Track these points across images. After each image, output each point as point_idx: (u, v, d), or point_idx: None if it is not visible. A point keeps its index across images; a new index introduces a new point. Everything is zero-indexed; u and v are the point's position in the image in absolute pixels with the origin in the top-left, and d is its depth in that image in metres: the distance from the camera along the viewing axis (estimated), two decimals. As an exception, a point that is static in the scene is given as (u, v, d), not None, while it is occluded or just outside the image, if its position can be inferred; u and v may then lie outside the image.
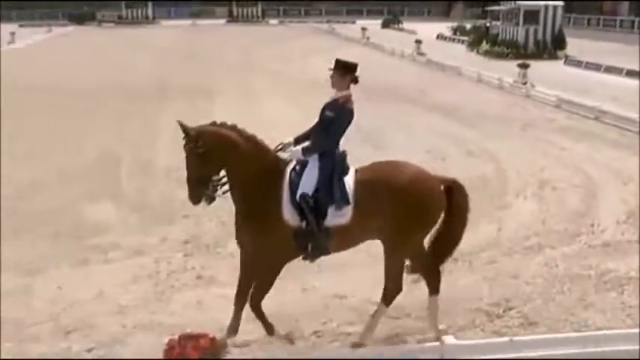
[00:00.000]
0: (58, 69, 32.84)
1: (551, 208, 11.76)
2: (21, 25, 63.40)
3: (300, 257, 6.89)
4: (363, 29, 49.29)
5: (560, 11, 38.35)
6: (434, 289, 7.13)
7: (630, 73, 28.55)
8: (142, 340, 7.36)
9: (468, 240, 10.04)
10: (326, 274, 9.01)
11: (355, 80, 6.89)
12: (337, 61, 6.91)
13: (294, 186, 6.54)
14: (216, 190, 6.59)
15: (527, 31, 37.76)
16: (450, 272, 9.05)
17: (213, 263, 9.46)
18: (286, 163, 6.72)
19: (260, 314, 7.02)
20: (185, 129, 6.37)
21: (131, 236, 10.54)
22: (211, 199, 6.61)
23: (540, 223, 11.04)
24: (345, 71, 6.83)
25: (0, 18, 66.18)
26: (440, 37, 49.97)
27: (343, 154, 6.76)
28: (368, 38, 46.99)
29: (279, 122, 18.98)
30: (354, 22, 66.18)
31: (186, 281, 8.88)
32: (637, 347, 6.95)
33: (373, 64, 34.39)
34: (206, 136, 6.39)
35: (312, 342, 7.38)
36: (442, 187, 6.86)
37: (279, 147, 6.84)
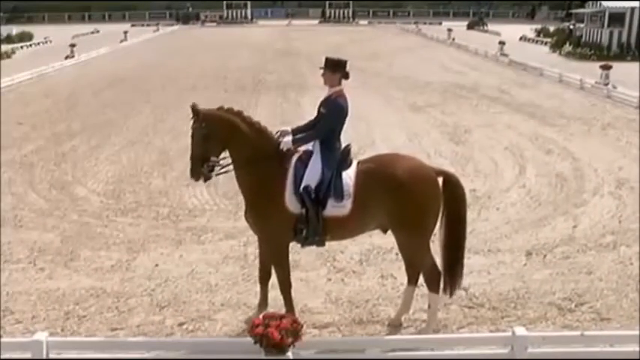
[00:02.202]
0: (162, 63, 33.73)
1: (628, 207, 11.31)
2: (133, 25, 65.46)
3: (296, 241, 6.92)
4: (449, 30, 48.53)
5: (646, 14, 36.83)
6: (414, 281, 7.17)
7: None
8: (228, 318, 7.50)
9: (544, 235, 9.90)
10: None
11: (346, 76, 6.94)
12: (327, 59, 6.98)
13: (298, 175, 6.61)
14: (213, 169, 6.73)
15: (611, 33, 36.44)
16: (524, 266, 8.90)
17: (297, 248, 9.42)
18: (292, 151, 6.76)
19: (287, 299, 7.06)
20: (194, 110, 6.61)
21: (223, 221, 10.72)
22: (207, 178, 6.75)
23: (616, 221, 10.63)
24: (335, 69, 6.89)
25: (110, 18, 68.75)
26: (523, 38, 48.72)
27: (347, 148, 6.83)
28: (453, 39, 46.24)
29: (367, 114, 19.02)
30: (440, 24, 65.27)
31: (272, 264, 8.95)
32: None
33: (457, 63, 33.94)
34: (210, 118, 6.59)
35: (386, 327, 7.32)
36: (440, 179, 6.79)
37: (278, 134, 6.90)
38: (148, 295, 8.06)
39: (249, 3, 73.55)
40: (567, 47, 38.89)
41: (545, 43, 43.86)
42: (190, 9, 76.11)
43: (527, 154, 14.80)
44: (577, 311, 7.70)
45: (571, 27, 43.52)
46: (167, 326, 7.34)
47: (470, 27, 62.30)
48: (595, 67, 26.28)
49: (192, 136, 6.67)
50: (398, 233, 6.81)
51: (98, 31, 58.32)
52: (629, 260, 9.03)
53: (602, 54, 34.68)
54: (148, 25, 66.36)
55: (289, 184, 6.62)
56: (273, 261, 7.05)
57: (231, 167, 6.82)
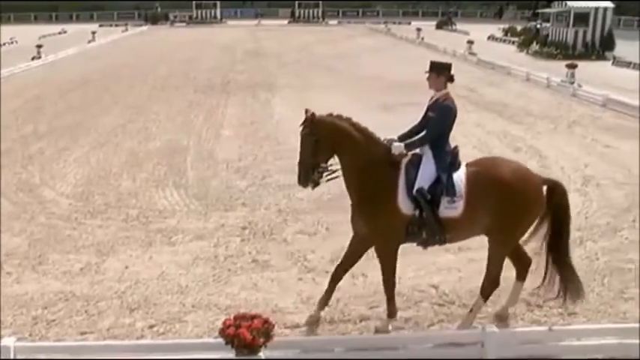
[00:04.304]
0: (131, 64, 33.43)
1: (594, 203, 11.46)
2: (101, 25, 64.71)
3: (416, 244, 7.01)
4: (418, 30, 48.70)
5: (610, 13, 37.28)
6: (486, 295, 7.20)
7: (678, 74, 27.62)
8: (199, 320, 7.46)
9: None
10: (375, 262, 8.96)
11: (451, 79, 6.92)
12: (432, 63, 6.97)
13: (409, 177, 6.65)
14: (321, 176, 6.76)
15: (576, 33, 36.86)
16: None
17: (269, 249, 9.50)
18: (402, 155, 6.78)
19: (390, 296, 7.15)
20: (306, 116, 6.57)
21: (193, 222, 10.66)
22: (316, 184, 6.78)
23: (583, 217, 10.76)
24: (440, 72, 6.86)
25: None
26: (491, 38, 49.07)
27: (455, 150, 6.85)
28: (422, 38, 46.42)
29: (335, 112, 19.02)
30: (409, 23, 65.44)
31: (243, 265, 8.94)
32: None
33: (426, 62, 34.07)
34: (321, 125, 6.56)
35: (358, 326, 7.33)
36: (545, 187, 6.90)
37: (385, 140, 6.92)
38: (118, 297, 7.98)
39: (218, 3, 73.12)
40: (534, 46, 39.28)
41: (513, 43, 44.23)
42: (159, 9, 75.45)
43: (496, 151, 14.91)
44: (545, 307, 7.77)
45: (538, 26, 43.92)
46: (137, 329, 7.28)
47: (439, 26, 62.58)
48: (561, 65, 26.60)
49: (302, 142, 6.65)
50: (495, 234, 6.88)
51: (65, 32, 57.54)
52: (594, 255, 9.15)
53: (568, 53, 35.08)
54: (116, 26, 65.61)
55: (401, 186, 6.67)
56: (382, 262, 7.06)
57: (339, 173, 6.83)
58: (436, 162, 6.68)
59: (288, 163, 14.09)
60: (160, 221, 10.66)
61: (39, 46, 35.63)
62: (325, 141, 6.58)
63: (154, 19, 73.35)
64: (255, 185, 12.56)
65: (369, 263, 8.89)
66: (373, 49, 41.39)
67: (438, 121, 6.78)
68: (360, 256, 7.28)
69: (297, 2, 73.57)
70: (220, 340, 5.77)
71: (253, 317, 5.88)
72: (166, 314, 7.57)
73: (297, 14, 73.69)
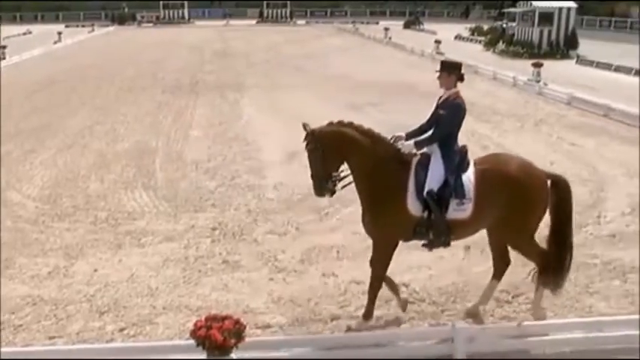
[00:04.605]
0: (98, 65, 33.07)
1: (560, 200, 11.59)
2: (67, 26, 63.84)
3: (421, 244, 7.07)
4: (386, 29, 48.89)
5: (573, 13, 37.81)
6: (498, 276, 7.40)
7: (639, 72, 28.06)
8: (170, 321, 7.41)
9: (482, 230, 10.05)
10: (345, 262, 9.02)
11: (461, 78, 6.98)
12: (443, 62, 7.04)
13: (419, 178, 6.68)
14: (336, 184, 6.79)
15: (541, 32, 37.30)
16: (463, 260, 9.05)
17: (239, 249, 9.48)
18: (412, 155, 6.83)
19: (372, 297, 7.14)
20: (306, 130, 6.57)
21: (163, 223, 10.59)
22: (332, 193, 6.81)
23: (548, 214, 10.87)
24: (450, 71, 6.91)
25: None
26: (458, 37, 49.44)
27: (464, 149, 6.89)
28: (390, 38, 46.65)
29: (306, 113, 19.04)
30: (377, 23, 65.60)
31: (213, 266, 8.90)
32: (637, 332, 6.84)
33: (394, 61, 34.28)
34: (324, 137, 6.57)
35: (329, 325, 7.35)
36: (548, 181, 6.98)
37: (392, 139, 6.95)
38: (87, 301, 7.90)
39: (186, 3, 72.68)
40: (500, 45, 39.65)
41: (479, 42, 44.59)
42: (126, 9, 74.75)
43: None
44: (514, 302, 7.87)
45: (504, 26, 44.35)
46: (107, 332, 7.21)
47: (406, 26, 62.89)
48: (527, 64, 26.90)
49: (310, 157, 6.66)
50: (508, 231, 6.97)
51: (30, 32, 56.70)
52: (562, 252, 9.27)
53: (534, 52, 35.48)
54: (82, 26, 64.80)
55: (411, 187, 6.70)
56: (377, 258, 7.05)
57: (351, 177, 6.85)
58: (445, 163, 6.71)
59: (257, 163, 14.13)
60: (129, 223, 10.57)
61: (3, 47, 35.08)
62: (331, 151, 6.59)
63: (120, 20, 72.62)
64: (224, 186, 12.51)
65: (338, 263, 8.96)
66: (341, 49, 41.47)
67: (448, 119, 6.84)
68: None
69: (265, 2, 73.40)
70: (191, 341, 5.73)
71: (224, 318, 5.86)
72: (137, 317, 7.51)
73: (265, 14, 73.54)
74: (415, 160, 6.81)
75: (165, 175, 13.26)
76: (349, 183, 6.88)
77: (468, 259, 9.10)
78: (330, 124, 6.75)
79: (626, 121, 18.14)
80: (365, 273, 8.52)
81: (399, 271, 8.70)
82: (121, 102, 22.06)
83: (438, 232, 6.78)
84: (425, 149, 6.88)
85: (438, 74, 6.95)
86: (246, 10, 77.00)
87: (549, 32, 37.25)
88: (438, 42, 37.56)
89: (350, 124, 6.74)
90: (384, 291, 8.05)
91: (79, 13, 76.83)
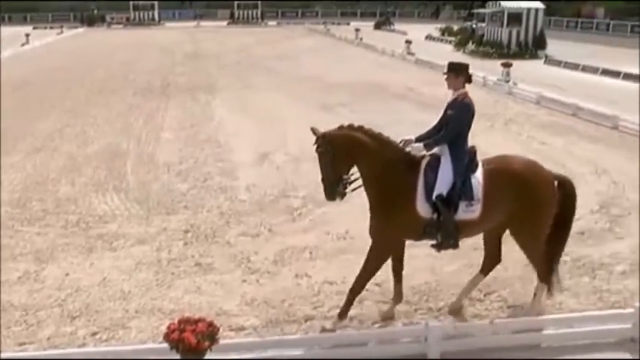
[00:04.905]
0: (67, 67, 32.71)
1: (530, 198, 11.71)
2: (35, 27, 62.99)
3: (430, 245, 7.12)
4: (357, 30, 49.02)
5: (541, 14, 38.24)
6: (485, 271, 7.55)
7: (605, 72, 28.49)
8: (143, 325, 7.36)
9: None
10: (318, 263, 9.02)
11: (469, 79, 7.07)
12: (450, 64, 7.14)
13: (429, 181, 6.73)
14: (347, 187, 6.81)
15: (510, 33, 37.67)
16: (436, 259, 9.09)
17: (212, 251, 9.43)
18: (421, 157, 6.88)
19: (351, 297, 7.09)
20: (316, 134, 6.64)
21: (134, 226, 10.50)
22: (343, 195, 6.83)
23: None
24: (458, 72, 7.01)
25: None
26: (429, 37, 49.74)
27: (473, 150, 6.95)
28: (361, 39, 46.77)
29: (277, 114, 19.03)
30: (348, 24, 65.75)
31: (186, 268, 8.85)
32: (606, 327, 7.05)
33: (365, 62, 34.38)
34: (334, 140, 6.64)
35: (303, 326, 7.34)
36: (555, 182, 7.10)
37: (402, 142, 7.00)
38: (59, 305, 7.80)
39: (156, 4, 72.19)
40: (470, 46, 39.96)
41: (450, 42, 44.88)
42: (96, 11, 74.02)
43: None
44: (486, 300, 7.94)
45: (473, 26, 44.72)
46: (79, 337, 7.13)
47: (377, 27, 63.10)
48: (496, 64, 27.17)
49: (320, 160, 6.70)
50: (518, 232, 7.09)
51: (-3, 35, 55.95)
52: (532, 249, 9.35)
53: (503, 52, 35.82)
54: (51, 28, 64.02)
55: (420, 190, 6.74)
56: (371, 260, 7.03)
57: (361, 181, 6.86)
58: (454, 165, 6.76)
59: (229, 165, 14.08)
60: (101, 226, 10.47)
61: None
62: (342, 154, 6.64)
63: (90, 21, 71.83)
64: (196, 188, 12.45)
65: (311, 264, 8.96)
66: (313, 50, 41.50)
67: (457, 119, 6.91)
68: (402, 254, 7.38)
69: (236, 3, 73.16)
70: (165, 344, 5.70)
71: (198, 321, 5.83)
72: (109, 321, 7.44)
73: (236, 15, 73.24)
74: (424, 162, 6.88)
75: (137, 177, 13.15)
76: (359, 186, 6.90)
77: (440, 258, 9.14)
78: (341, 127, 6.82)
79: (594, 120, 18.41)
80: (338, 273, 8.59)
81: (372, 270, 8.75)
82: (92, 104, 21.84)
83: (446, 233, 6.85)
84: (435, 150, 6.95)
85: (445, 76, 7.06)
86: (216, 12, 76.67)
87: (518, 33, 37.64)
88: (408, 42, 37.78)
89: (360, 128, 6.80)
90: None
91: (47, 14, 75.83)
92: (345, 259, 9.09)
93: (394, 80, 27.21)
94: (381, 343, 6.76)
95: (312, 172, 13.23)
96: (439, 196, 6.68)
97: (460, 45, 41.75)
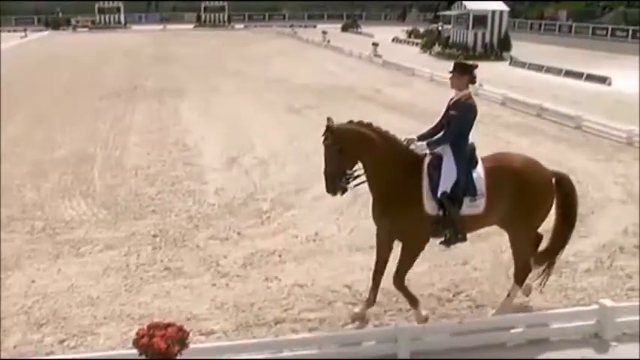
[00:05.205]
0: (32, 71, 32.26)
1: (497, 198, 11.83)
2: (-2, 31, 62.05)
3: (438, 242, 7.20)
4: (324, 32, 49.17)
5: (506, 16, 38.66)
6: (520, 280, 7.50)
7: (568, 73, 28.94)
8: (112, 331, 7.28)
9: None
10: (287, 265, 9.01)
11: (473, 80, 7.11)
12: (456, 64, 7.18)
13: (433, 179, 6.82)
14: (349, 182, 6.84)
15: (475, 35, 38.03)
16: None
17: (181, 256, 9.37)
18: (423, 155, 6.95)
19: (404, 290, 7.31)
20: (330, 125, 6.63)
21: (102, 231, 10.39)
22: (344, 190, 6.87)
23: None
24: (463, 73, 7.04)
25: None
26: (395, 40, 50.04)
27: (472, 147, 7.05)
28: (328, 41, 46.90)
29: (245, 117, 18.98)
30: (315, 26, 65.93)
31: (155, 273, 8.78)
32: (572, 324, 7.16)
33: (332, 64, 34.46)
34: (343, 134, 6.66)
35: (274, 329, 7.33)
36: (553, 179, 7.24)
37: (405, 142, 7.06)
38: (25, 313, 7.68)
39: (122, 7, 71.55)
40: (437, 48, 40.30)
41: (416, 44, 45.22)
42: (60, 14, 73.11)
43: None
44: (455, 300, 8.00)
45: (439, 28, 45.12)
46: (47, 344, 7.03)
47: (344, 29, 63.34)
48: (462, 66, 27.33)
49: (326, 152, 6.68)
50: (512, 227, 7.24)
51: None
52: (499, 249, 9.41)
53: (469, 54, 36.06)
54: (14, 31, 63.06)
55: (425, 188, 6.84)
56: (406, 258, 7.13)
57: (364, 177, 6.89)
58: (457, 162, 6.85)
59: (197, 168, 14.00)
60: (68, 232, 10.34)
61: None
62: (349, 149, 6.66)
63: (55, 25, 70.95)
64: (165, 192, 12.35)
65: (280, 267, 8.95)
66: (280, 53, 41.46)
67: (460, 120, 6.98)
68: (390, 251, 7.39)
69: (202, 6, 72.82)
70: (134, 350, 5.65)
71: (167, 326, 5.80)
72: (77, 327, 7.35)
73: (203, 19, 72.88)
74: (427, 161, 6.96)
75: (104, 182, 13.02)
76: (362, 182, 6.94)
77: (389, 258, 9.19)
78: (350, 122, 6.86)
79: (558, 121, 18.69)
80: (307, 276, 8.61)
81: (342, 272, 8.78)
82: (57, 109, 21.54)
83: (454, 229, 6.96)
84: (437, 150, 7.02)
85: (450, 75, 7.12)
86: (183, 15, 76.26)
87: (483, 35, 38.01)
88: (375, 44, 37.95)
89: (368, 125, 6.86)
90: (327, 293, 8.11)
91: (10, 17, 74.63)
92: (315, 262, 9.12)
93: (361, 82, 27.31)
94: (351, 345, 6.77)
95: (280, 175, 13.36)
96: (444, 194, 6.79)
97: (426, 47, 42.09)
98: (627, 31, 51.04)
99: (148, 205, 11.60)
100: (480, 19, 37.95)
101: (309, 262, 9.09)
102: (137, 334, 5.72)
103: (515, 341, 7.00)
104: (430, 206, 6.86)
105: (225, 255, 9.33)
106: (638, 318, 7.14)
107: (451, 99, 7.17)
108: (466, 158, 6.92)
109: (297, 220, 10.79)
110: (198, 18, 73.22)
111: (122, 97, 23.98)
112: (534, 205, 7.12)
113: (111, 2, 71.19)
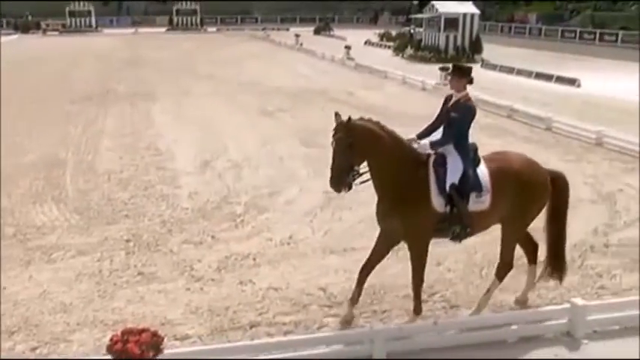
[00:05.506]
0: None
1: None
2: (-35, 35, 61.11)
3: (448, 239, 7.28)
4: (297, 36, 49.18)
5: (477, 19, 38.99)
6: (501, 276, 7.65)
7: (538, 75, 29.28)
8: (85, 337, 7.20)
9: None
10: (261, 269, 8.99)
11: (471, 81, 7.24)
12: (454, 67, 7.37)
13: (440, 176, 6.93)
14: (355, 179, 6.82)
15: (447, 37, 38.28)
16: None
17: (154, 260, 9.30)
18: (427, 155, 7.03)
19: (418, 293, 7.35)
20: (338, 120, 6.71)
21: (74, 237, 10.28)
22: (349, 187, 6.85)
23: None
24: (462, 75, 7.19)
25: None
26: (368, 43, 50.20)
27: (474, 146, 7.17)
28: (301, 44, 46.92)
29: (218, 121, 18.91)
30: (287, 29, 65.97)
31: (128, 278, 8.69)
32: (544, 323, 7.27)
33: (305, 67, 34.47)
34: (355, 129, 6.69)
35: (249, 333, 7.31)
36: (548, 178, 7.42)
37: (409, 141, 7.13)
38: (-5, 320, 7.57)
39: (93, 11, 70.94)
40: (409, 50, 40.49)
41: (388, 47, 45.40)
42: (30, 17, 72.29)
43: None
44: (429, 301, 8.01)
45: (411, 31, 45.30)
46: (18, 352, 6.92)
47: (316, 32, 63.46)
48: (434, 68, 27.56)
49: (337, 147, 6.67)
50: (509, 222, 7.34)
51: None
52: (473, 249, 9.49)
53: (441, 56, 36.36)
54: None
55: (433, 185, 6.93)
56: (415, 258, 7.20)
57: (368, 175, 6.91)
58: (462, 158, 6.98)
59: (170, 172, 13.91)
60: (39, 238, 10.20)
61: None
62: (359, 144, 6.68)
63: (24, 28, 70.11)
64: (138, 196, 12.25)
65: (255, 270, 8.93)
66: (253, 56, 41.37)
67: (461, 121, 7.09)
68: (387, 252, 7.47)
69: (174, 9, 72.47)
70: (108, 357, 5.60)
71: (141, 331, 5.75)
72: (49, 335, 7.25)
73: (175, 22, 72.57)
74: (432, 160, 7.05)
75: (77, 187, 12.87)
76: (367, 180, 6.97)
77: (383, 260, 9.21)
78: (361, 119, 6.91)
79: (529, 122, 18.88)
80: (282, 279, 8.60)
81: (316, 274, 8.78)
82: (27, 113, 21.26)
83: (462, 224, 7.06)
84: (440, 150, 7.12)
85: (449, 77, 7.32)
86: (155, 18, 75.86)
87: (455, 37, 38.29)
88: (348, 47, 38.04)
89: (377, 123, 6.93)
90: (302, 296, 8.10)
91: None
92: (289, 265, 9.11)
93: (334, 85, 27.35)
94: (327, 347, 6.77)
95: (254, 178, 13.32)
96: (452, 185, 6.89)
97: (399, 50, 42.27)
98: (594, 33, 51.80)
99: (120, 209, 11.50)
100: (452, 22, 38.21)
101: (284, 266, 9.08)
102: (111, 340, 5.67)
103: (489, 341, 7.04)
104: (438, 202, 6.95)
105: (200, 259, 9.28)
106: (608, 316, 7.27)
107: (447, 98, 7.34)
108: (469, 155, 7.09)
109: (271, 224, 10.77)
110: (171, 21, 72.90)
111: (94, 100, 23.76)
112: (532, 203, 7.29)
113: (82, 5, 70.51)
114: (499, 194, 7.06)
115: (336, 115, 6.81)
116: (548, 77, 28.61)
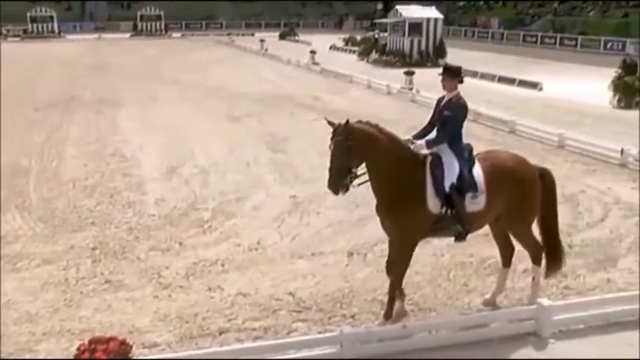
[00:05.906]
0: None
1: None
2: None
3: (452, 239, 7.45)
4: (262, 41, 49.12)
5: (440, 24, 39.35)
6: (538, 260, 7.80)
7: (501, 79, 29.64)
8: (52, 347, 7.09)
9: (363, 235, 10.25)
10: (230, 275, 8.95)
11: (461, 81, 7.40)
12: (445, 68, 7.52)
13: (436, 177, 7.01)
14: (352, 181, 6.85)
15: (411, 42, 38.55)
16: (347, 266, 9.21)
17: (121, 268, 9.19)
18: (424, 156, 7.11)
19: (392, 298, 7.40)
20: (334, 124, 6.76)
21: (39, 245, 10.11)
22: (347, 189, 6.89)
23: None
24: (454, 75, 7.36)
25: None
26: (333, 47, 50.32)
27: (469, 146, 7.28)
28: (266, 49, 46.87)
29: (184, 127, 18.79)
30: (252, 35, 65.79)
31: (95, 287, 8.59)
32: (512, 324, 7.35)
33: (271, 72, 34.44)
34: (354, 131, 6.76)
35: (218, 339, 7.26)
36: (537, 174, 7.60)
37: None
38: (-41, 332, 7.41)
39: (55, 16, 69.92)
40: (374, 55, 40.67)
41: (353, 52, 45.55)
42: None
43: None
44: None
45: (376, 36, 45.51)
46: (-18, 364, 6.80)
47: (282, 37, 63.41)
48: (399, 73, 27.77)
49: (335, 149, 6.68)
50: (512, 221, 7.53)
51: None
52: (440, 252, 9.57)
53: (405, 61, 36.61)
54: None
55: (429, 187, 7.01)
56: (401, 256, 7.25)
57: (366, 177, 6.94)
58: (458, 158, 7.07)
59: (137, 179, 13.78)
60: (3, 247, 10.00)
61: None
62: (358, 146, 6.73)
63: (-17, 34, 68.82)
64: (104, 203, 12.11)
65: (223, 276, 8.89)
66: (218, 61, 41.19)
67: (454, 120, 7.23)
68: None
69: (139, 15, 71.85)
70: (75, 367, 5.52)
71: (109, 340, 5.70)
72: (14, 345, 7.12)
73: (139, 27, 71.85)
74: (428, 161, 7.12)
75: (40, 195, 12.68)
76: (365, 181, 7.01)
77: (351, 265, 9.27)
78: (360, 122, 6.97)
79: (493, 125, 19.09)
80: (250, 284, 8.57)
81: (285, 280, 8.77)
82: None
83: (460, 224, 7.14)
84: (434, 149, 7.19)
85: (441, 77, 7.41)
86: (119, 24, 75.05)
87: (419, 42, 38.57)
88: (313, 52, 38.12)
89: (375, 125, 6.99)
90: (271, 302, 8.08)
91: None
92: (258, 270, 9.08)
93: (300, 90, 27.38)
94: (297, 352, 6.76)
95: (221, 184, 13.26)
96: (452, 185, 6.97)
97: (364, 54, 42.44)
98: (555, 38, 52.60)
99: (86, 217, 11.36)
100: (416, 27, 38.50)
101: (252, 271, 9.05)
102: (78, 349, 5.60)
103: (457, 342, 7.10)
104: (433, 204, 7.02)
105: (167, 266, 9.20)
106: (573, 315, 7.39)
107: (440, 99, 7.47)
108: (464, 154, 7.18)
109: (238, 229, 10.73)
110: (135, 27, 72.14)
111: (58, 107, 23.43)
112: (527, 200, 7.43)
113: (44, 11, 69.51)
114: (494, 194, 7.19)
115: (328, 121, 6.86)
116: (511, 81, 28.99)
